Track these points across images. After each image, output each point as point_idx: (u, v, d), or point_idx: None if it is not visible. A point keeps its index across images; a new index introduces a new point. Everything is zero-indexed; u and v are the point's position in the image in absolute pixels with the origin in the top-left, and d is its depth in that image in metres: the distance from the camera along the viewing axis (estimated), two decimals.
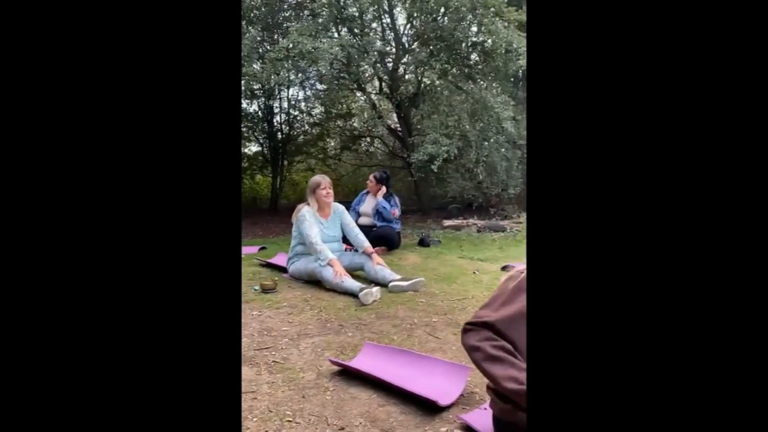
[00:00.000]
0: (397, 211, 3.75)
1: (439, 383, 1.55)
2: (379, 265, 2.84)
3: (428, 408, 1.45)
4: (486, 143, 4.85)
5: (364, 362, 1.73)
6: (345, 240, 3.13)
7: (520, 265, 1.06)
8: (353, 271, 2.91)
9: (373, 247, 3.46)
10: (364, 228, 3.60)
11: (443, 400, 1.45)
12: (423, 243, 4.08)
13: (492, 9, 4.46)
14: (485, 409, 1.34)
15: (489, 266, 3.39)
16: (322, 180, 2.98)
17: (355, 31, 5.16)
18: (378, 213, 3.73)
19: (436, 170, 4.60)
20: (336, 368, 1.74)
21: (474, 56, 5.57)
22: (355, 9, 5.07)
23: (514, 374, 0.93)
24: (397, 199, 3.84)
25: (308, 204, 2.95)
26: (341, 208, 3.08)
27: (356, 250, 3.04)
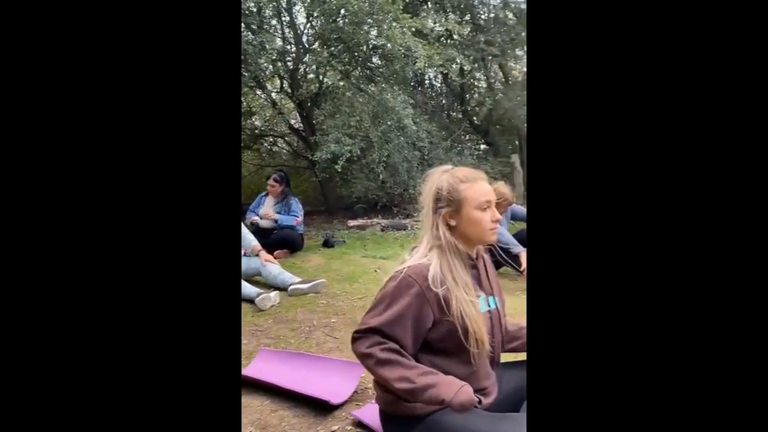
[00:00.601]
0: (299, 219, 3.68)
1: (332, 383, 1.57)
2: (271, 263, 2.77)
3: (322, 408, 1.47)
4: (389, 144, 4.99)
5: (259, 369, 1.69)
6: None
7: (401, 265, 1.12)
8: (251, 278, 2.81)
9: (276, 250, 3.39)
10: (264, 231, 3.50)
11: (335, 399, 1.48)
12: (327, 244, 4.08)
13: (390, 15, 4.60)
14: (374, 403, 1.39)
15: (391, 264, 3.48)
16: None
17: (253, 27, 4.98)
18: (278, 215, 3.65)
19: (340, 170, 4.62)
20: None
21: (375, 59, 5.69)
22: (252, 4, 4.89)
23: (405, 374, 0.98)
24: (296, 201, 3.76)
25: None
26: None
27: (249, 254, 2.94)
